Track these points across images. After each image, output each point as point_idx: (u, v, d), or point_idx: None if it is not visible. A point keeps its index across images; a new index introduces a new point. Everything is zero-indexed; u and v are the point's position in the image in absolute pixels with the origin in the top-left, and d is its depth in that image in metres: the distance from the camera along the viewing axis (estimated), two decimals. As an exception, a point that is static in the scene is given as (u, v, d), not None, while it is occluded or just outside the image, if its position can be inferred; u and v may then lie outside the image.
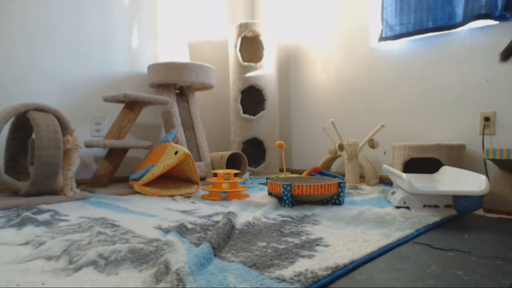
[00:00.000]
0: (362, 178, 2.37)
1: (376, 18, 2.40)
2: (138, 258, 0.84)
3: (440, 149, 1.84)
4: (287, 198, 1.47)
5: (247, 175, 2.37)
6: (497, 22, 1.92)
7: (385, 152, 2.38)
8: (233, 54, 2.71)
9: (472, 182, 1.37)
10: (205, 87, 2.48)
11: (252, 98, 2.75)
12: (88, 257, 0.82)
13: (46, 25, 2.04)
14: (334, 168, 2.62)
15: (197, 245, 0.93)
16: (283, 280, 0.70)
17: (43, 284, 0.70)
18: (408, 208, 1.41)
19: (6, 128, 1.78)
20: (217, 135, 3.00)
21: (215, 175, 1.93)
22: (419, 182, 1.65)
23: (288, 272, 0.74)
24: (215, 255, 0.84)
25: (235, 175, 2.27)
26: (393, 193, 1.58)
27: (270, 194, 1.64)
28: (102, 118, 2.29)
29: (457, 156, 1.84)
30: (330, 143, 2.64)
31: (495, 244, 0.99)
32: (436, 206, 1.39)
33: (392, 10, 2.26)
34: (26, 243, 0.97)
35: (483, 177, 1.32)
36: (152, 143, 2.18)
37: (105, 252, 0.85)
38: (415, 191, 1.35)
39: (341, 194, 1.52)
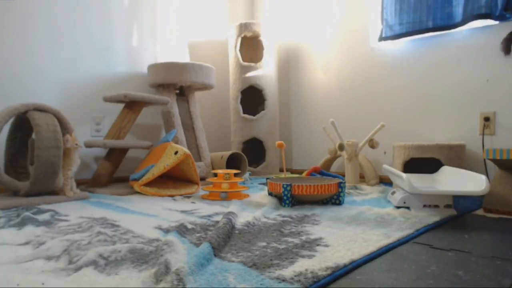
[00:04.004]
0: (362, 178, 2.37)
1: (376, 18, 2.40)
2: (138, 258, 0.84)
3: (440, 149, 1.84)
4: (287, 198, 1.47)
5: (247, 175, 2.37)
6: (497, 22, 1.92)
7: (385, 152, 2.38)
8: (233, 54, 2.71)
9: (472, 182, 1.37)
10: (205, 87, 2.48)
11: (252, 98, 2.75)
12: (88, 257, 0.82)
13: (45, 25, 2.04)
14: (334, 168, 2.62)
15: (197, 245, 0.93)
16: (283, 280, 0.70)
17: (43, 284, 0.70)
18: (408, 208, 1.41)
19: (6, 128, 1.78)
20: (217, 135, 3.00)
21: (215, 175, 1.93)
22: (419, 182, 1.65)
23: (288, 272, 0.74)
24: (215, 255, 0.84)
25: (235, 175, 2.27)
26: (393, 193, 1.58)
27: (270, 194, 1.64)
28: (102, 118, 2.29)
29: (457, 156, 1.84)
30: (330, 143, 2.64)
31: (495, 244, 0.99)
32: (436, 206, 1.39)
33: (392, 10, 2.26)
34: (26, 243, 0.97)
35: (483, 177, 1.32)
36: (152, 143, 2.18)
37: (105, 252, 0.85)
38: (415, 191, 1.35)
39: (341, 194, 1.52)
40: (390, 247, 0.94)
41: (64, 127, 1.71)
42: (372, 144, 2.18)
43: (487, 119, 1.96)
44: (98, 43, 2.26)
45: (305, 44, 2.83)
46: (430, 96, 2.18)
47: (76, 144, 1.66)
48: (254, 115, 2.68)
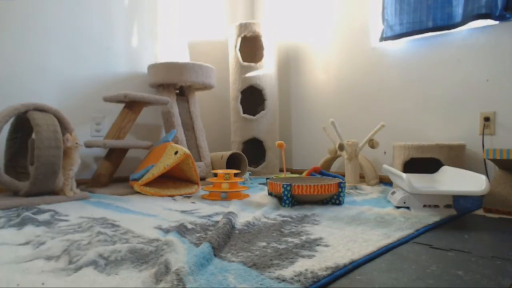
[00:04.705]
0: (362, 178, 2.37)
1: (377, 18, 2.40)
2: (138, 258, 0.84)
3: (440, 149, 1.84)
4: (287, 198, 1.47)
5: (247, 175, 2.37)
6: (497, 22, 1.92)
7: (385, 152, 2.38)
8: (233, 54, 2.71)
9: (472, 182, 1.37)
10: (205, 87, 2.48)
11: (252, 98, 2.75)
12: (88, 257, 0.82)
13: (46, 25, 2.04)
14: (334, 168, 2.62)
15: (197, 245, 0.93)
16: (283, 280, 0.70)
17: (43, 284, 0.70)
18: (408, 208, 1.41)
19: (6, 128, 1.78)
20: (217, 135, 3.00)
21: (215, 175, 1.93)
22: (419, 182, 1.65)
23: (288, 272, 0.74)
24: (215, 255, 0.84)
25: (235, 175, 2.27)
26: (393, 193, 1.58)
27: (270, 194, 1.64)
28: (102, 118, 2.29)
29: (457, 156, 1.84)
30: (330, 143, 2.64)
31: (495, 244, 0.99)
32: (436, 206, 1.39)
33: (392, 10, 2.26)
34: (26, 243, 0.97)
35: (483, 177, 1.32)
36: (152, 143, 2.18)
37: (105, 252, 0.85)
38: (415, 191, 1.35)
39: (341, 194, 1.52)
40: (390, 247, 0.94)
41: (64, 127, 1.71)
42: (372, 144, 2.18)
43: (487, 119, 1.96)
44: (98, 43, 2.26)
45: (305, 44, 2.83)
46: (430, 96, 2.18)
47: (77, 143, 1.66)
48: (254, 115, 2.68)
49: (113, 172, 2.05)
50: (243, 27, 2.65)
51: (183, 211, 1.40)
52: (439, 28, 2.08)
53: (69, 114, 2.07)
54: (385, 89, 2.38)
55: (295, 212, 1.36)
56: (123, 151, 2.07)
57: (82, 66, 2.19)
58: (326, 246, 0.93)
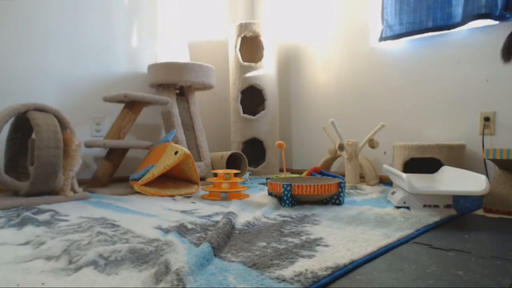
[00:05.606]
0: (362, 178, 2.37)
1: (377, 18, 2.40)
2: (138, 258, 0.84)
3: (440, 149, 1.84)
4: (287, 198, 1.47)
5: (247, 175, 2.37)
6: (497, 22, 1.92)
7: (385, 152, 2.38)
8: (233, 54, 2.71)
9: (472, 182, 1.37)
10: (205, 87, 2.48)
11: (252, 98, 2.75)
12: (88, 257, 0.82)
13: (46, 25, 2.04)
14: (334, 168, 2.62)
15: (197, 245, 0.93)
16: (283, 280, 0.70)
17: (43, 284, 0.70)
18: (408, 208, 1.41)
19: (6, 128, 1.78)
20: (217, 135, 3.00)
21: (215, 175, 1.93)
22: (419, 182, 1.65)
23: (288, 272, 0.74)
24: (215, 255, 0.84)
25: (235, 175, 2.27)
26: (393, 193, 1.58)
27: (270, 194, 1.64)
28: (102, 118, 2.29)
29: (457, 156, 1.84)
30: (330, 143, 2.64)
31: (495, 244, 0.99)
32: (436, 206, 1.39)
33: (392, 10, 2.26)
34: (26, 243, 0.97)
35: (483, 177, 1.32)
36: (152, 143, 2.18)
37: (105, 252, 0.85)
38: (415, 191, 1.35)
39: (341, 194, 1.52)
40: (390, 247, 0.94)
41: (64, 127, 1.71)
42: (372, 144, 2.18)
43: (487, 119, 1.96)
44: (98, 43, 2.26)
45: (305, 44, 2.83)
46: (430, 96, 2.18)
47: (77, 145, 1.66)
48: (254, 115, 2.68)
49: (113, 172, 2.06)
50: (243, 27, 2.65)
51: (183, 211, 1.40)
52: (439, 28, 2.08)
53: (69, 114, 2.07)
54: (385, 89, 2.38)
55: (295, 212, 1.36)
56: (123, 151, 2.07)
57: (82, 66, 2.19)
58: (326, 246, 0.93)
